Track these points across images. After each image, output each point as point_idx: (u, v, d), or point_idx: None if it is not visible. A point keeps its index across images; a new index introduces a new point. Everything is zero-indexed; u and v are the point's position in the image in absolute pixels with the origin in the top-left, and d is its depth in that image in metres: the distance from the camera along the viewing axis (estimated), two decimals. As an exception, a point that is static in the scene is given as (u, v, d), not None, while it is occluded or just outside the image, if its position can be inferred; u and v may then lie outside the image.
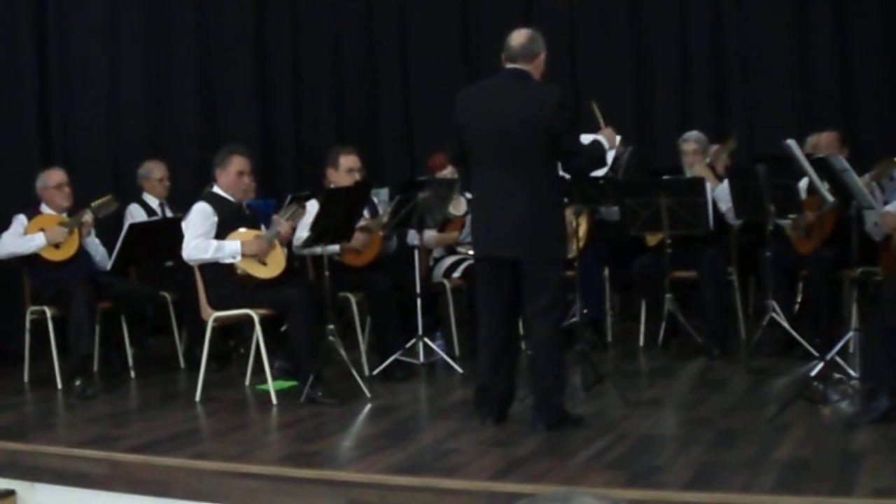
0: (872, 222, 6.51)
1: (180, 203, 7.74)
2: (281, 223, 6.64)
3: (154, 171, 8.17)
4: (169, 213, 8.02)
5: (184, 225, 6.67)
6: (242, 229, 6.59)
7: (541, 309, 5.37)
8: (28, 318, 7.20)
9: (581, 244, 6.94)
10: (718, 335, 7.39)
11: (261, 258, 6.54)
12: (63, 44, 8.69)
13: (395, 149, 10.64)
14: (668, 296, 7.39)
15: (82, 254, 7.26)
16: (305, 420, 5.98)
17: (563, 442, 5.20)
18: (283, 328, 6.71)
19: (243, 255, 6.47)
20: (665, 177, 7.83)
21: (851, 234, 6.16)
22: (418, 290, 7.18)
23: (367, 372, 7.01)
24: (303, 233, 6.83)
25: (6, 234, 7.19)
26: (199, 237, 6.49)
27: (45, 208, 7.32)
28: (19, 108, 8.42)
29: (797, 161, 6.14)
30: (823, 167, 6.06)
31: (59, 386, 6.99)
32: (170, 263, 7.68)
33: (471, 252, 7.41)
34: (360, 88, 10.71)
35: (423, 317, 7.17)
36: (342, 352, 6.49)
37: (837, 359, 6.14)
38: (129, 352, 7.48)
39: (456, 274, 7.85)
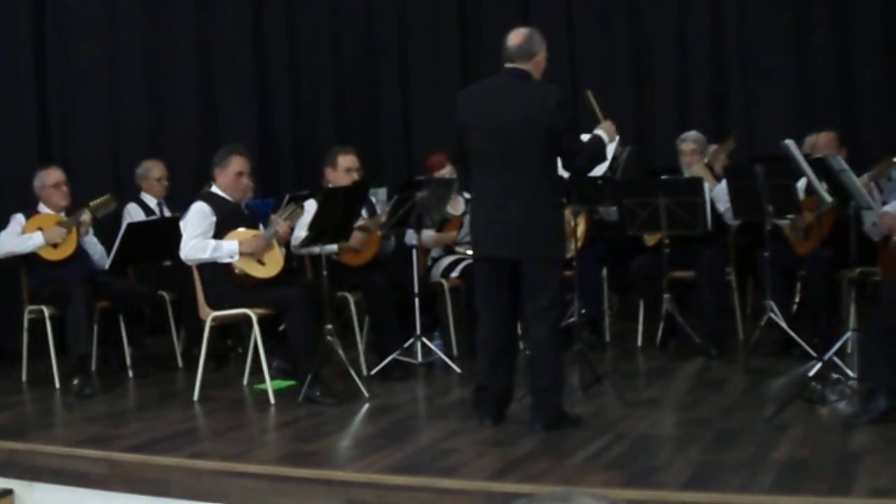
0: (871, 222, 6.52)
1: (179, 203, 7.74)
2: (279, 223, 6.64)
3: (152, 170, 8.17)
4: (167, 213, 8.02)
5: (182, 224, 6.66)
6: (241, 229, 6.59)
7: (540, 309, 5.37)
8: (26, 317, 7.20)
9: (579, 244, 6.94)
10: (716, 335, 7.39)
11: (259, 258, 6.54)
12: (62, 43, 8.68)
13: (393, 148, 10.65)
14: (666, 296, 7.39)
15: (80, 253, 7.26)
16: (303, 420, 5.98)
17: (561, 442, 5.20)
18: (282, 328, 6.71)
19: (241, 255, 6.47)
20: (663, 177, 7.83)
21: (850, 235, 6.16)
22: (416, 289, 7.18)
23: (365, 371, 7.01)
24: (301, 232, 6.82)
25: (4, 233, 7.19)
26: (197, 237, 6.48)
27: (42, 207, 7.32)
28: (18, 108, 8.41)
29: (795, 161, 6.14)
30: (822, 167, 6.06)
31: (58, 385, 6.99)
32: (168, 263, 7.68)
33: (469, 252, 7.42)
34: (360, 88, 10.71)
35: (421, 316, 7.18)
36: (340, 351, 6.49)
37: (835, 359, 6.15)
38: (127, 351, 7.48)
39: (454, 274, 7.85)
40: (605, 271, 8.16)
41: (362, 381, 6.52)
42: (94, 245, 7.42)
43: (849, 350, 6.56)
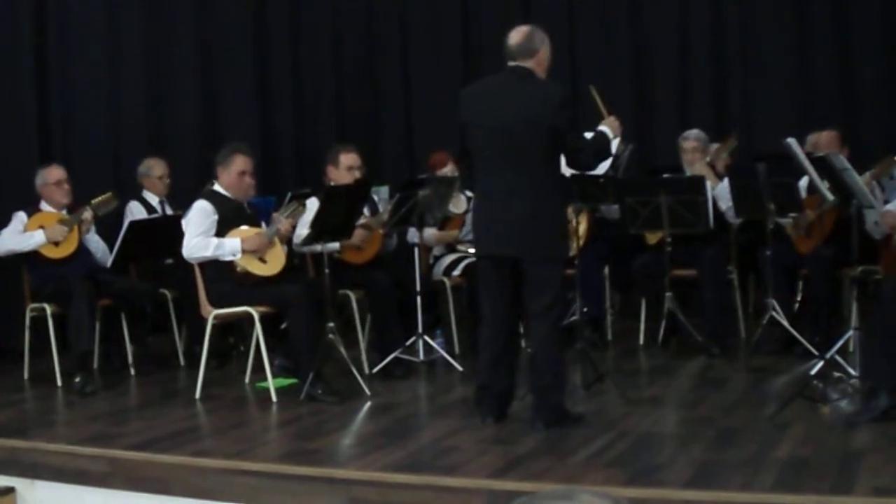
0: (873, 221, 6.51)
1: (180, 201, 7.75)
2: (281, 221, 6.64)
3: (154, 168, 8.17)
4: (169, 211, 8.03)
5: (184, 223, 6.67)
6: (243, 227, 6.59)
7: (542, 308, 5.37)
8: (28, 315, 7.20)
9: (581, 242, 6.94)
10: (718, 334, 7.39)
11: (261, 256, 6.54)
12: (63, 41, 8.68)
13: (395, 147, 10.65)
14: (668, 294, 7.39)
15: (82, 251, 7.26)
16: (305, 418, 5.98)
17: (562, 440, 5.20)
18: (283, 326, 6.71)
19: (243, 253, 6.47)
20: (665, 175, 7.83)
21: (851, 233, 6.16)
22: (418, 287, 7.18)
23: (366, 370, 7.02)
24: (303, 230, 6.83)
25: (6, 232, 7.19)
26: (199, 235, 6.48)
27: (44, 205, 7.33)
28: (20, 106, 8.41)
29: (797, 160, 6.14)
30: (824, 166, 6.06)
31: (59, 383, 7.00)
32: (170, 261, 7.69)
33: (471, 250, 7.43)
34: (361, 87, 10.72)
35: (423, 315, 7.17)
36: (342, 349, 6.49)
37: (837, 357, 6.15)
38: (129, 349, 7.48)
39: (456, 272, 7.85)
40: (606, 270, 8.15)
41: (364, 380, 6.53)
42: (96, 242, 7.43)
43: (850, 349, 6.56)
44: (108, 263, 7.47)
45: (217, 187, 6.69)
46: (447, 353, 7.36)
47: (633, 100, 9.87)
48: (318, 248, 6.78)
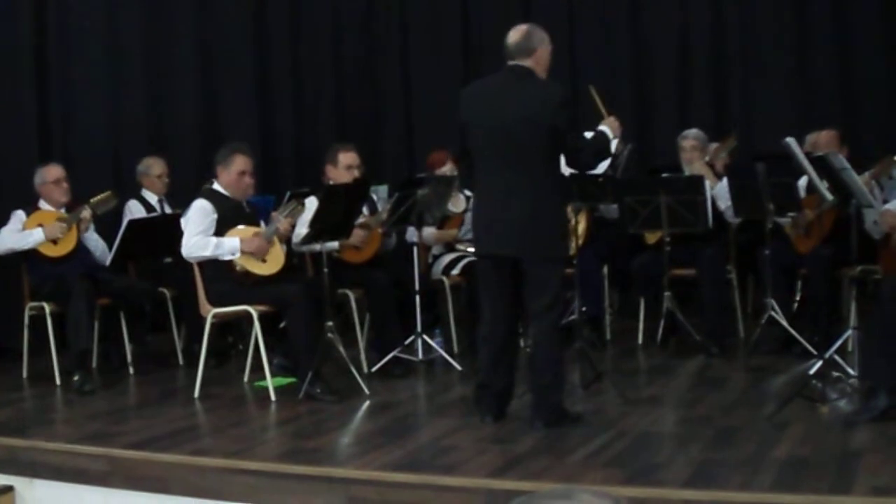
0: (872, 221, 6.51)
1: (179, 199, 7.75)
2: (280, 220, 6.64)
3: (153, 167, 8.17)
4: (168, 210, 8.03)
5: (183, 222, 6.67)
6: (241, 226, 6.59)
7: (541, 307, 5.37)
8: (27, 313, 7.20)
9: (580, 242, 6.94)
10: (717, 333, 7.39)
11: (260, 255, 6.54)
12: (63, 42, 8.68)
13: (394, 147, 10.66)
14: (666, 294, 7.39)
15: (81, 250, 7.26)
16: (304, 417, 5.98)
17: (561, 439, 5.20)
18: (282, 325, 6.71)
19: (242, 252, 6.47)
20: (664, 175, 7.83)
21: (851, 233, 6.16)
22: (417, 286, 7.18)
23: (365, 369, 7.02)
24: (302, 230, 6.83)
25: (4, 230, 7.19)
26: (198, 234, 6.48)
27: (43, 204, 7.32)
28: (19, 105, 8.40)
29: (796, 159, 6.13)
30: (823, 165, 6.06)
31: (58, 382, 6.99)
32: (168, 260, 7.69)
33: (470, 249, 7.43)
34: (360, 87, 10.72)
35: (421, 314, 7.17)
36: (341, 348, 6.49)
37: (836, 357, 6.15)
38: (128, 348, 7.48)
39: (455, 271, 7.85)
40: (605, 269, 8.15)
41: (363, 379, 6.53)
42: (95, 241, 7.42)
43: (849, 348, 6.56)
44: (108, 262, 7.46)
45: (216, 186, 6.69)
46: (446, 352, 7.36)
47: (633, 99, 9.88)
48: (317, 247, 6.78)
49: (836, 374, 6.07)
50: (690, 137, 7.85)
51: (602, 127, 5.64)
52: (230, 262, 6.47)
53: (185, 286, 7.08)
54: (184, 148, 9.25)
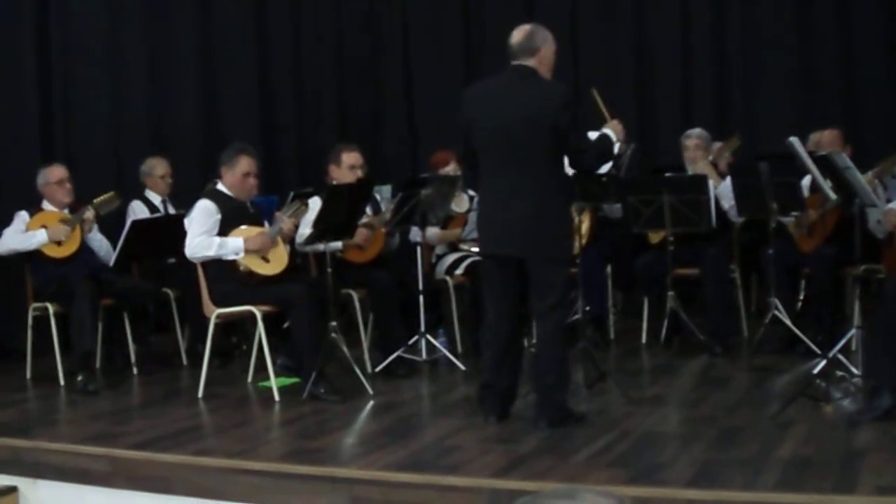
0: (875, 220, 6.51)
1: (183, 200, 7.75)
2: (284, 220, 6.65)
3: (157, 167, 8.18)
4: (171, 210, 8.03)
5: (187, 222, 6.67)
6: (245, 226, 6.59)
7: (546, 308, 5.37)
8: (30, 314, 7.20)
9: (584, 242, 6.94)
10: (721, 333, 7.39)
11: (264, 255, 6.54)
12: (65, 41, 8.69)
13: (397, 146, 10.66)
14: (670, 293, 7.39)
15: (84, 250, 7.26)
16: (308, 417, 5.99)
17: (565, 439, 5.20)
18: (286, 325, 6.71)
19: (246, 251, 6.47)
20: (668, 174, 7.83)
21: (854, 232, 6.16)
22: (421, 286, 7.18)
23: (369, 369, 7.01)
24: (305, 230, 6.83)
25: (8, 231, 7.19)
26: (202, 234, 6.48)
27: (46, 205, 7.33)
28: (21, 106, 8.41)
29: (800, 159, 6.14)
30: (826, 165, 6.06)
31: (62, 383, 7.00)
32: (172, 260, 7.69)
33: (473, 249, 7.43)
34: (363, 87, 10.72)
35: (425, 314, 7.17)
36: (344, 348, 6.49)
37: (840, 356, 6.14)
38: (132, 349, 7.48)
39: (459, 271, 7.84)
40: (609, 269, 8.15)
41: (367, 379, 6.53)
42: (99, 241, 7.43)
43: (853, 347, 6.56)
44: (111, 263, 7.46)
45: (220, 186, 6.69)
46: (450, 352, 7.36)
47: (636, 99, 9.88)
48: (320, 247, 6.79)
49: (839, 373, 6.06)
50: (694, 137, 7.85)
51: (605, 130, 5.64)
52: (234, 262, 6.47)
53: (189, 286, 7.08)
54: (185, 148, 9.25)
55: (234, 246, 6.47)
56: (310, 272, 7.48)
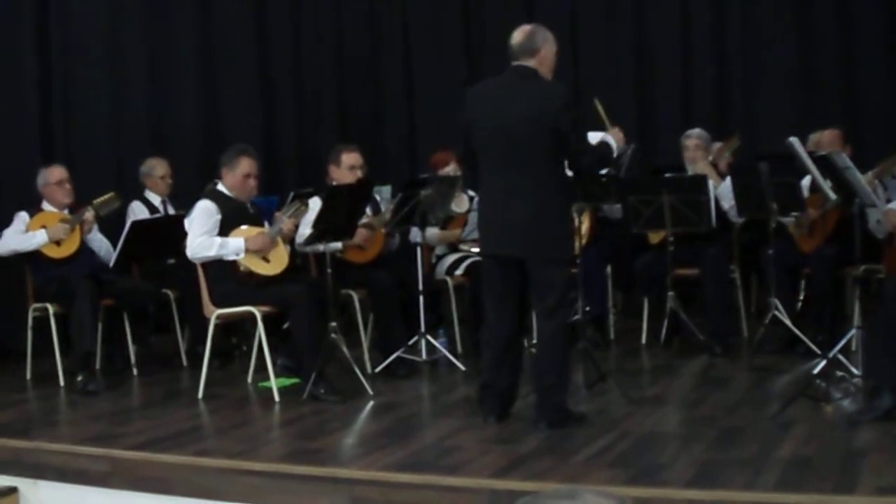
0: (875, 220, 6.51)
1: (183, 200, 7.74)
2: (284, 220, 6.65)
3: (156, 168, 8.18)
4: (171, 211, 8.03)
5: (187, 223, 6.67)
6: (245, 227, 6.59)
7: (547, 308, 5.37)
8: (30, 315, 7.20)
9: (584, 242, 6.94)
10: (721, 333, 7.39)
11: (264, 255, 6.54)
12: (65, 41, 8.69)
13: (397, 147, 10.65)
14: (670, 293, 7.39)
15: (84, 251, 7.26)
16: (308, 417, 5.98)
17: (565, 440, 5.20)
18: (286, 325, 6.71)
19: (247, 253, 6.47)
20: (667, 174, 7.83)
21: (854, 232, 6.16)
22: (421, 287, 7.18)
23: (369, 369, 7.01)
24: (305, 230, 6.83)
25: (8, 232, 7.19)
26: (203, 235, 6.48)
27: (46, 205, 7.33)
28: (21, 106, 8.41)
29: (800, 159, 6.14)
30: (826, 165, 6.06)
31: (62, 383, 7.00)
32: (172, 261, 7.69)
33: (473, 249, 7.43)
34: (363, 87, 10.72)
35: (425, 314, 7.17)
36: (344, 349, 6.49)
37: (840, 356, 6.14)
38: (132, 349, 7.48)
39: (458, 271, 7.84)
40: (609, 269, 8.14)
41: (367, 379, 6.53)
42: (99, 241, 7.43)
43: (853, 347, 6.56)
44: (111, 263, 7.46)
45: (220, 187, 6.69)
46: (450, 352, 7.35)
47: (636, 99, 9.88)
48: (320, 247, 6.79)
49: (839, 373, 6.06)
50: (694, 137, 7.84)
51: (606, 137, 5.66)
52: (234, 262, 6.47)
53: (189, 287, 7.08)
54: (185, 148, 9.25)
55: (235, 246, 6.46)
56: (310, 272, 7.48)
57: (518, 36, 5.45)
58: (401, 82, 10.72)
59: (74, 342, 6.91)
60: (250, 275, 6.48)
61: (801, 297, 7.49)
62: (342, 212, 6.68)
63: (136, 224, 7.53)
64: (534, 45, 5.42)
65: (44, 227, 7.12)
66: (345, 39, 10.66)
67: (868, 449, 4.85)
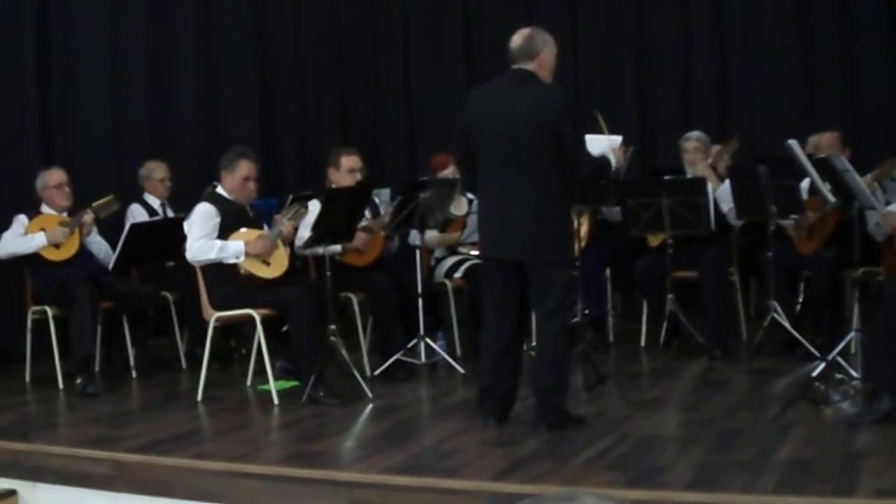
0: (874, 223, 6.51)
1: (182, 203, 7.74)
2: (283, 223, 6.64)
3: (155, 171, 8.17)
4: (170, 214, 8.02)
5: (186, 226, 6.66)
6: (244, 229, 6.59)
7: (546, 311, 5.37)
8: (30, 317, 7.20)
9: (583, 244, 6.94)
10: (720, 336, 7.38)
11: (264, 258, 6.54)
12: (65, 43, 8.68)
13: (396, 150, 10.65)
14: (669, 296, 7.38)
15: (83, 254, 7.26)
16: (307, 420, 5.98)
17: (564, 442, 5.20)
18: (285, 328, 6.71)
19: (247, 254, 6.47)
20: (667, 177, 7.83)
21: (853, 235, 6.16)
22: (420, 290, 7.18)
23: (368, 372, 7.01)
24: (305, 233, 6.83)
25: (7, 234, 7.19)
26: (202, 238, 6.47)
27: (45, 208, 7.33)
28: (21, 108, 8.41)
29: (799, 161, 6.14)
30: (825, 167, 6.06)
31: (61, 386, 6.99)
32: (171, 264, 7.69)
33: (472, 252, 7.43)
34: (362, 89, 10.72)
35: (424, 317, 7.17)
36: (344, 352, 6.49)
37: (839, 359, 6.14)
38: (131, 352, 7.48)
39: (458, 274, 7.84)
40: (608, 272, 8.14)
41: (366, 382, 6.53)
42: (98, 244, 7.43)
43: (852, 350, 6.56)
44: (110, 266, 7.46)
45: (220, 190, 6.69)
46: (449, 355, 7.35)
47: (636, 99, 9.89)
48: (319, 250, 6.79)
49: (839, 376, 6.06)
50: (693, 139, 7.85)
51: (606, 152, 5.68)
52: (233, 265, 6.47)
53: (188, 290, 7.08)
54: (185, 150, 9.25)
55: (235, 249, 6.46)
56: (309, 275, 7.47)
57: (517, 39, 5.45)
58: (401, 82, 10.72)
59: (73, 345, 6.91)
60: (251, 278, 6.48)
61: (801, 300, 7.50)
62: (341, 215, 6.68)
63: (135, 227, 7.53)
64: (533, 49, 5.43)
65: (43, 229, 7.12)
66: (345, 39, 10.66)
67: (867, 451, 4.86)
